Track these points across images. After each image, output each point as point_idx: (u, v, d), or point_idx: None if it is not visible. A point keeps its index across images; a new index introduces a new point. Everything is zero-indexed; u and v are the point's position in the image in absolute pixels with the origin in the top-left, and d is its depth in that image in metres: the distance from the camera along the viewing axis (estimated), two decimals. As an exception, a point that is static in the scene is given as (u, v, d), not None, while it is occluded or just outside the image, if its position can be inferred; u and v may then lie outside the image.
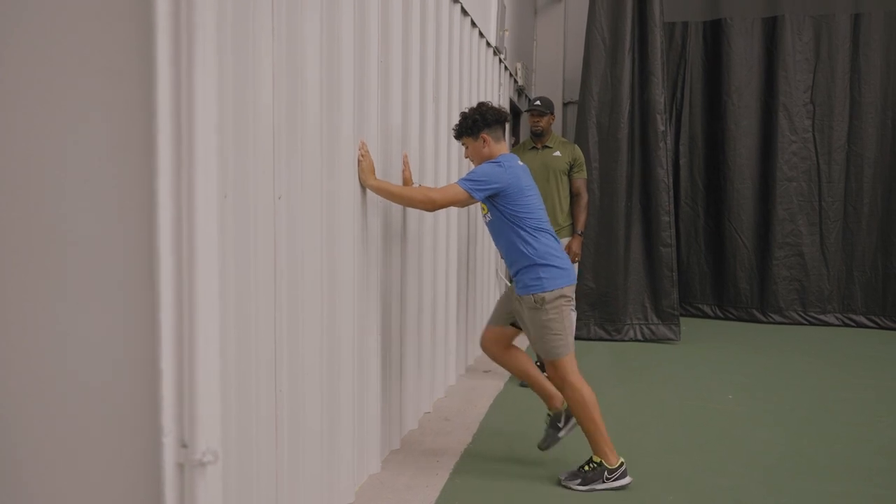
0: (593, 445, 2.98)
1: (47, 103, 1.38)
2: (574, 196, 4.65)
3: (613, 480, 2.94)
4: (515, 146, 4.95)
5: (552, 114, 4.66)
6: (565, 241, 4.58)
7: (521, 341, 3.51)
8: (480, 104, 3.11)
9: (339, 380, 2.57)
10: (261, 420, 1.97)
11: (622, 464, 2.97)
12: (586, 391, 2.96)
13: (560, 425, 3.14)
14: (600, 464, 2.96)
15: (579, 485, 2.95)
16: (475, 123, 3.04)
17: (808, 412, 4.08)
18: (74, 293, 1.37)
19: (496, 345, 3.24)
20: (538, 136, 4.64)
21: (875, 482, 3.07)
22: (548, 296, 2.93)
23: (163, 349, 1.26)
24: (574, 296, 4.60)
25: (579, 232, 4.63)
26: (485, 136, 3.04)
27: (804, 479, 3.10)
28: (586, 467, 2.98)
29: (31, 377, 1.42)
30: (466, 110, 3.11)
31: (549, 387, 3.14)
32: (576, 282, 3.10)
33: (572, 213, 4.66)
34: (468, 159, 3.18)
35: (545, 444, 3.19)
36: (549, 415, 3.19)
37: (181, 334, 1.28)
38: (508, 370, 3.28)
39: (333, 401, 2.53)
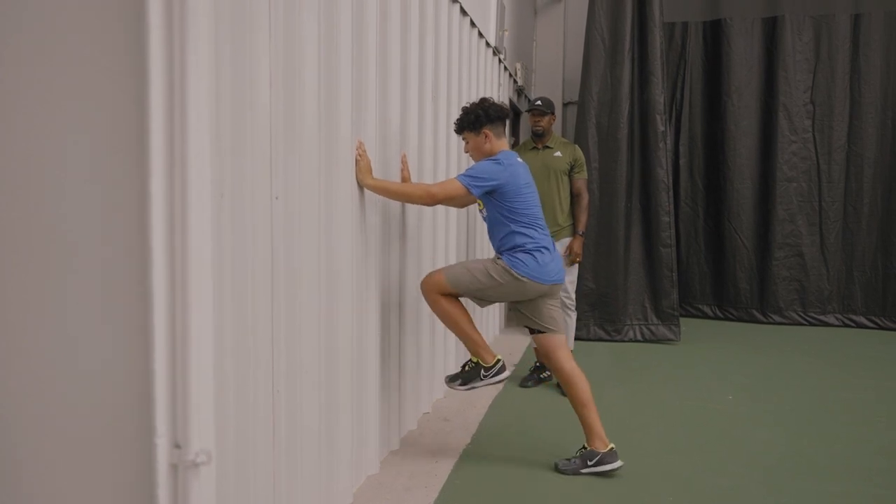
0: (468, 347, 3.09)
1: (45, 103, 1.37)
2: (575, 196, 4.64)
3: (491, 377, 3.06)
4: (515, 146, 4.95)
5: (553, 114, 4.65)
6: (566, 241, 4.58)
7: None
8: (483, 100, 3.12)
9: (337, 380, 2.57)
10: (258, 421, 1.97)
11: (498, 360, 3.08)
12: (448, 304, 3.04)
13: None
14: (477, 363, 3.07)
15: (460, 385, 3.09)
16: (478, 118, 3.05)
17: (808, 412, 4.08)
18: (69, 293, 1.37)
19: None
20: (539, 137, 4.63)
21: (875, 482, 3.07)
22: (513, 272, 3.00)
23: (156, 349, 1.26)
24: (563, 294, 4.60)
25: (580, 232, 4.63)
26: (486, 131, 3.06)
27: (804, 479, 3.09)
28: (466, 367, 3.11)
29: (27, 377, 1.42)
30: (468, 105, 3.12)
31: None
32: (552, 283, 3.10)
33: (573, 214, 4.65)
34: (468, 154, 3.19)
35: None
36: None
37: (174, 335, 1.28)
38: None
39: (331, 401, 2.52)
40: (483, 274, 3.03)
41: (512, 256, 3.02)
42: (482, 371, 3.06)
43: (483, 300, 3.15)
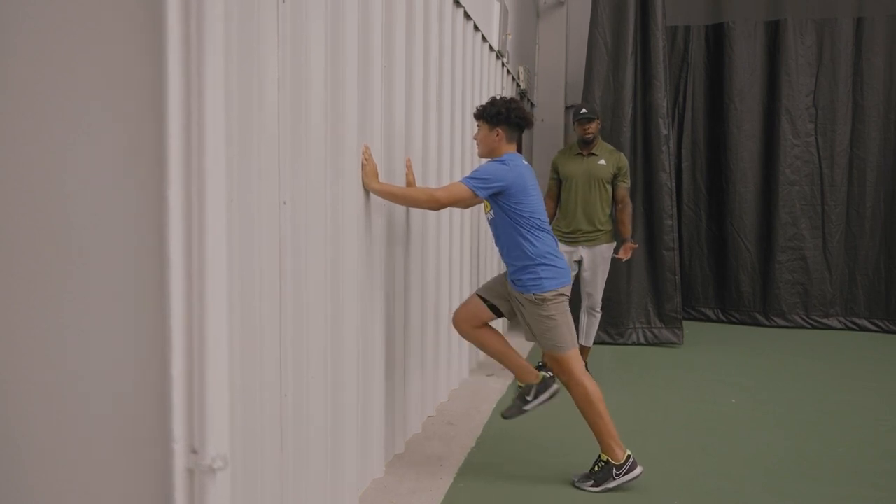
0: (599, 441, 3.02)
1: (66, 112, 1.38)
2: (619, 204, 4.67)
3: (623, 475, 2.97)
4: (560, 150, 4.95)
5: (598, 118, 4.66)
6: (602, 247, 4.60)
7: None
8: (512, 100, 3.12)
9: (342, 384, 2.57)
10: (266, 425, 1.98)
11: (629, 457, 2.99)
12: (591, 386, 3.00)
13: (528, 399, 3.11)
14: (607, 462, 2.99)
15: (592, 486, 2.99)
16: (498, 115, 3.06)
17: (810, 415, 4.08)
18: (86, 300, 1.38)
19: (468, 322, 3.20)
20: (587, 144, 4.63)
21: (878, 485, 3.07)
22: (548, 295, 2.97)
23: (173, 355, 1.27)
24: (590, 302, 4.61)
25: (629, 239, 4.67)
26: (500, 130, 3.07)
27: (807, 482, 3.10)
28: (595, 468, 3.02)
29: (43, 383, 1.43)
30: (498, 97, 3.13)
31: (520, 360, 3.12)
32: (571, 282, 3.13)
33: (619, 220, 4.68)
34: (474, 140, 3.22)
35: (509, 414, 3.16)
36: (519, 386, 3.17)
37: (191, 340, 1.28)
38: (479, 346, 3.21)
39: (337, 405, 2.53)
40: (550, 319, 2.98)
41: (535, 279, 2.97)
42: (614, 470, 2.99)
43: (573, 335, 3.10)
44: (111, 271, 1.35)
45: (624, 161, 4.65)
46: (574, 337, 3.06)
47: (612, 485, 2.96)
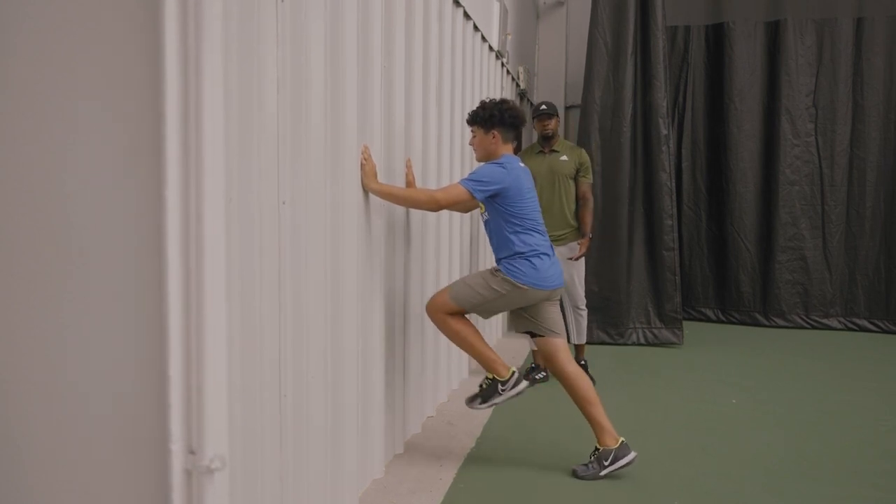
0: (482, 364, 3.09)
1: (61, 109, 1.38)
2: (581, 200, 4.66)
3: (509, 390, 3.05)
4: (523, 150, 4.96)
5: (558, 116, 4.68)
6: (572, 244, 4.61)
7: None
8: (503, 101, 3.12)
9: (342, 384, 2.57)
10: (266, 426, 1.98)
11: (514, 373, 3.06)
12: (456, 324, 3.05)
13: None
14: (493, 379, 3.07)
15: (480, 404, 3.10)
16: (491, 118, 3.06)
17: (810, 416, 4.08)
18: (86, 300, 1.38)
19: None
20: (547, 140, 4.64)
21: (878, 485, 3.07)
22: (513, 282, 3.00)
23: (171, 355, 1.27)
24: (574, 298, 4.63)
25: (588, 235, 4.66)
26: (496, 132, 3.07)
27: (807, 482, 3.10)
28: (483, 385, 3.11)
29: (43, 383, 1.42)
30: (487, 101, 3.12)
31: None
32: (552, 288, 3.11)
33: (581, 217, 4.67)
34: (471, 146, 3.22)
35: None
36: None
37: (189, 340, 1.28)
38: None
39: (337, 405, 2.53)
40: (484, 287, 3.04)
41: (510, 265, 3.03)
42: (499, 386, 3.06)
43: (488, 312, 3.16)
44: (111, 271, 1.35)
45: (585, 156, 4.67)
46: (474, 307, 3.06)
47: (499, 400, 3.05)
